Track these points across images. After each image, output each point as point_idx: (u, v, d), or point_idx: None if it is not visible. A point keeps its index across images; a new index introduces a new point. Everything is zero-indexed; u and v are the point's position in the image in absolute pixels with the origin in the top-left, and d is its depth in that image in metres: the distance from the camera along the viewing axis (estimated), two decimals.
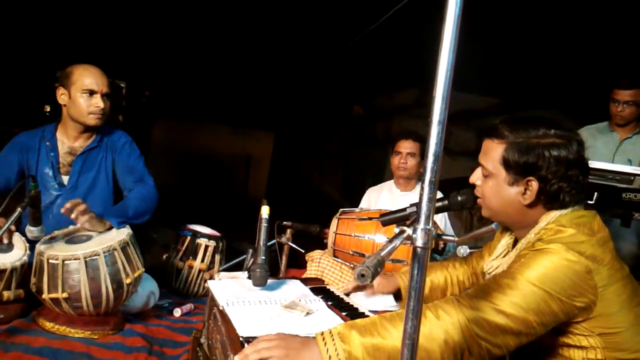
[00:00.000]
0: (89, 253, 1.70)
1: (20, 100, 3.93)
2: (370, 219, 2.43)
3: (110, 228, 1.89)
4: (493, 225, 0.98)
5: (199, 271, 2.42)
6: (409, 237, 0.94)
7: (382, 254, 0.88)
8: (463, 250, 1.14)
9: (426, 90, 7.35)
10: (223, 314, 1.34)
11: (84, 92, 2.04)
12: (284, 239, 2.41)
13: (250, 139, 6.71)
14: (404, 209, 1.57)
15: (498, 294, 1.13)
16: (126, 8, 3.93)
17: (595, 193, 2.18)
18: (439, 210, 1.50)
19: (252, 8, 4.36)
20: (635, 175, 2.08)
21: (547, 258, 1.14)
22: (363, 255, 2.41)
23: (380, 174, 6.09)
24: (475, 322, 1.10)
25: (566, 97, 4.99)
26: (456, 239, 0.99)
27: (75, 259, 1.68)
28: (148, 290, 2.01)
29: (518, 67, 5.63)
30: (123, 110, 3.64)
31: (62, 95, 2.06)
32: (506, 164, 1.25)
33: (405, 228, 0.97)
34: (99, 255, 1.71)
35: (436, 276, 1.64)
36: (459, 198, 1.45)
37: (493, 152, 1.28)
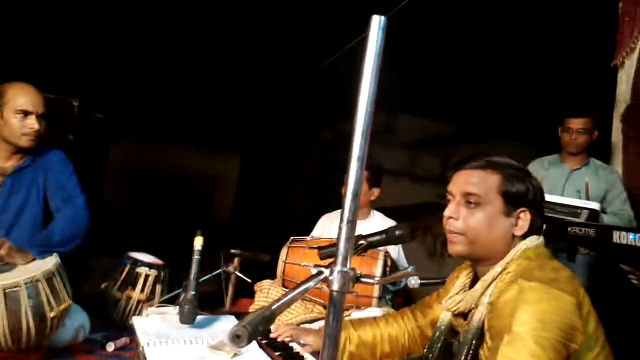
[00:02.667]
0: (9, 284, 1.58)
1: None
2: (320, 248, 2.37)
3: (33, 260, 1.77)
4: (410, 269, 0.93)
5: (138, 302, 2.30)
6: (326, 280, 0.89)
7: (274, 307, 0.80)
8: (414, 281, 1.08)
9: (395, 116, 7.45)
10: (143, 355, 1.25)
11: (18, 113, 1.94)
12: (231, 268, 2.32)
13: (216, 161, 6.60)
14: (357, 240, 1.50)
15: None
16: (87, 23, 3.84)
17: (544, 225, 2.17)
18: (376, 245, 1.44)
19: (220, 28, 4.31)
20: (582, 208, 2.07)
21: (537, 304, 1.09)
22: None
23: None
24: None
25: (528, 129, 5.07)
26: (375, 280, 0.93)
27: None
28: (77, 323, 1.88)
29: (482, 96, 5.73)
30: (75, 129, 3.51)
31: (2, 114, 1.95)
32: (506, 194, 1.24)
33: (323, 269, 0.91)
34: (20, 287, 1.59)
35: (365, 332, 1.51)
36: (397, 232, 1.40)
37: (488, 181, 1.25)
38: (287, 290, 2.38)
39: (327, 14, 4.16)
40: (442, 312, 1.38)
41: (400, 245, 2.76)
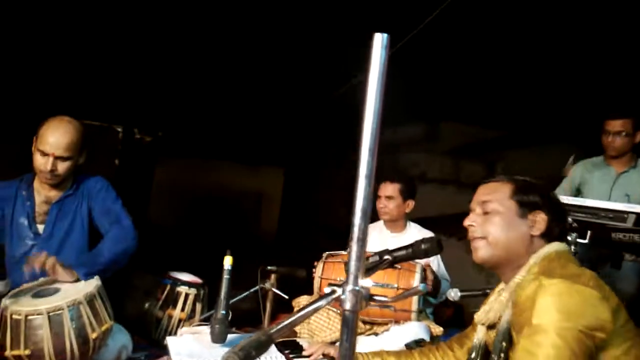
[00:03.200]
0: (52, 308, 1.65)
1: None
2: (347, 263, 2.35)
3: (77, 279, 1.84)
4: (420, 287, 0.92)
5: (179, 321, 2.35)
6: (338, 299, 0.88)
7: (272, 331, 0.79)
8: (454, 293, 1.07)
9: (437, 123, 7.35)
10: None
11: (39, 151, 2.02)
12: (267, 285, 2.34)
13: (260, 176, 6.68)
14: (378, 256, 1.48)
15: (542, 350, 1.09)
16: (128, 53, 4.00)
17: (589, 231, 2.08)
18: (402, 259, 1.42)
19: (258, 44, 4.38)
20: (628, 212, 1.98)
21: (557, 296, 1.13)
22: None
23: None
24: None
25: (573, 130, 4.89)
26: (387, 300, 0.92)
27: (38, 314, 1.64)
28: (120, 343, 1.94)
29: (525, 100, 5.58)
30: (120, 153, 3.65)
31: (33, 147, 2.06)
32: (518, 197, 1.34)
33: (335, 288, 0.91)
34: (62, 309, 1.66)
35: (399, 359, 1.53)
36: (423, 246, 1.38)
37: (500, 190, 1.37)
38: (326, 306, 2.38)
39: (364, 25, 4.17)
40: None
41: (439, 256, 2.72)
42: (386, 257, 1.36)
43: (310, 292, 2.48)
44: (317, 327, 2.38)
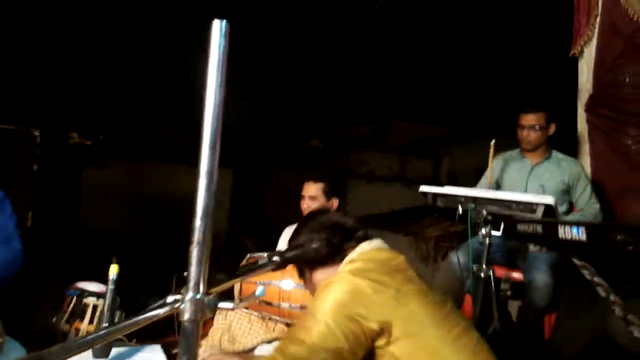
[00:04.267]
0: None
1: None
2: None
3: None
4: (257, 292, 0.86)
5: (87, 334, 2.22)
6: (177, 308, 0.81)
7: (52, 352, 0.70)
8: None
9: (384, 122, 7.39)
10: None
11: None
12: (183, 291, 2.23)
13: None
14: (267, 258, 1.41)
15: (302, 332, 1.20)
16: (46, 52, 3.82)
17: (502, 223, 2.09)
18: (293, 261, 1.36)
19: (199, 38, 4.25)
20: (537, 204, 1.99)
21: (334, 286, 1.24)
22: (270, 304, 2.26)
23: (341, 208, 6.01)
24: None
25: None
26: (235, 305, 0.85)
27: None
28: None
29: (466, 95, 5.68)
30: (38, 158, 3.45)
31: None
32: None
33: (177, 296, 0.83)
34: None
35: None
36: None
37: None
38: (246, 311, 2.30)
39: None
40: None
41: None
42: (275, 258, 1.30)
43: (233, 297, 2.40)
44: (239, 333, 2.30)
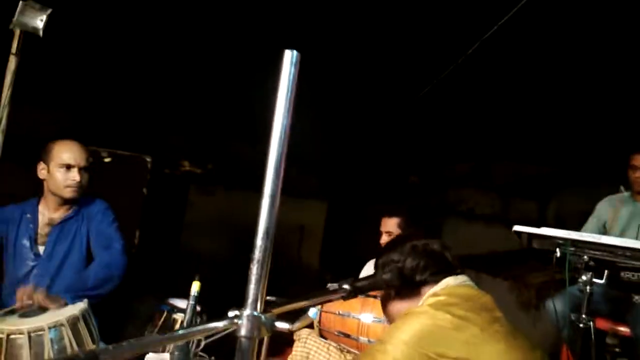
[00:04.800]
0: (33, 328, 1.67)
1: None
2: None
3: (65, 304, 1.87)
4: (310, 314, 0.85)
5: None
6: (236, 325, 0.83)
7: (101, 350, 0.73)
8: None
9: (485, 162, 7.13)
10: None
11: (61, 167, 2.11)
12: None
13: (303, 209, 6.69)
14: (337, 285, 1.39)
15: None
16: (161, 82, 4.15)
17: (606, 271, 1.91)
18: (364, 290, 1.33)
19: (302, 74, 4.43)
20: None
21: (413, 318, 1.20)
22: (348, 336, 2.23)
23: None
24: None
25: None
26: (291, 327, 0.85)
27: (20, 334, 1.66)
28: None
29: (576, 135, 5.34)
30: (148, 183, 3.75)
31: (42, 170, 2.15)
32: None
33: (237, 312, 0.85)
34: (44, 330, 1.68)
35: None
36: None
37: None
38: (325, 341, 2.29)
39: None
40: None
41: None
42: (344, 286, 1.28)
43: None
44: None
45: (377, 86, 4.78)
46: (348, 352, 2.26)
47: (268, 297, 2.34)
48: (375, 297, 2.24)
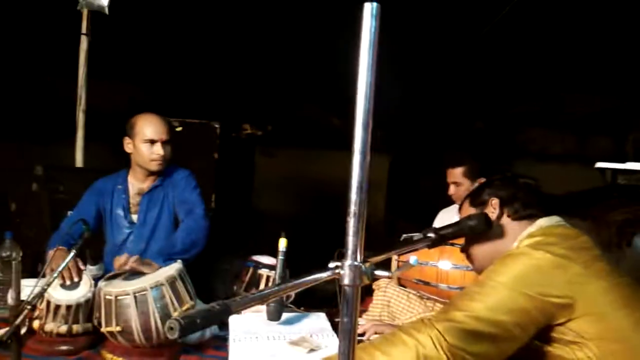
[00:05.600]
0: (138, 289, 1.82)
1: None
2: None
3: (159, 268, 2.01)
4: (411, 261, 0.88)
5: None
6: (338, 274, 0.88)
7: (231, 303, 0.77)
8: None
9: (554, 98, 6.79)
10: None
11: (146, 142, 2.22)
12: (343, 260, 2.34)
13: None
14: (422, 235, 1.42)
15: (468, 301, 1.15)
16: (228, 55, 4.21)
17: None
18: (448, 238, 1.35)
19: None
20: None
21: (512, 259, 1.18)
22: (427, 284, 2.27)
23: None
24: (448, 332, 1.09)
25: None
26: (390, 274, 0.89)
27: (126, 295, 1.82)
28: None
29: None
30: (219, 148, 3.88)
31: (128, 145, 2.28)
32: (471, 204, 1.49)
33: (338, 263, 0.90)
34: (147, 290, 1.82)
35: None
36: (469, 223, 1.31)
37: (465, 209, 1.53)
38: (404, 289, 2.34)
39: None
40: None
41: None
42: (429, 234, 1.31)
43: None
44: (397, 310, 2.35)
45: (438, 31, 4.63)
46: (428, 299, 2.30)
47: (343, 250, 2.40)
48: (453, 244, 2.25)
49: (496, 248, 1.34)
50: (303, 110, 5.83)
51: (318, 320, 1.55)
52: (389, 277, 0.90)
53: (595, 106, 6.58)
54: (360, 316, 2.28)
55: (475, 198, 1.44)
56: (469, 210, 1.45)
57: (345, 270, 0.84)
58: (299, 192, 5.88)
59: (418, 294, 2.30)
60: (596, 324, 1.13)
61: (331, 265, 0.91)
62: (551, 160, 6.56)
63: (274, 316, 1.46)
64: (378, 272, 0.87)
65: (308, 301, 2.13)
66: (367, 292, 2.68)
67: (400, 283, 2.36)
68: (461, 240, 2.24)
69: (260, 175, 5.31)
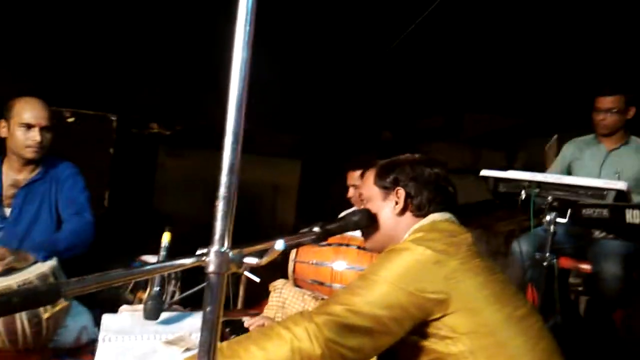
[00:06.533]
0: (2, 287, 1.66)
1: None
2: (329, 244, 2.30)
3: (35, 262, 1.85)
4: (276, 246, 0.86)
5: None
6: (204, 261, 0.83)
7: (60, 283, 0.72)
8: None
9: (456, 115, 7.19)
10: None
11: (22, 126, 2.04)
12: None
13: (277, 168, 6.66)
14: (310, 229, 1.39)
15: (348, 295, 1.15)
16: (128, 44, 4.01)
17: (569, 210, 1.97)
18: (334, 232, 1.35)
19: (272, 36, 4.33)
20: (608, 189, 1.86)
21: (396, 255, 1.19)
22: (322, 284, 2.28)
23: None
24: (326, 326, 1.08)
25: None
26: (260, 261, 0.86)
27: None
28: (80, 324, 1.93)
29: (544, 86, 5.40)
30: (115, 143, 3.67)
31: (3, 129, 2.08)
32: (379, 182, 1.41)
33: (205, 250, 0.85)
34: (12, 289, 1.67)
35: None
36: (353, 218, 1.32)
37: (368, 178, 1.45)
38: (300, 290, 2.34)
39: None
40: None
41: None
42: (315, 228, 1.30)
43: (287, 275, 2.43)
44: (293, 311, 2.33)
45: (348, 40, 4.72)
46: (322, 299, 2.31)
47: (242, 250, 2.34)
48: (347, 245, 2.28)
49: (389, 237, 1.36)
50: (215, 111, 5.70)
51: (198, 319, 1.48)
52: (257, 265, 0.86)
53: (491, 125, 7.07)
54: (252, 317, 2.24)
55: (383, 176, 1.40)
56: (372, 188, 1.42)
57: (211, 256, 0.80)
58: (205, 194, 5.71)
59: (314, 295, 2.29)
60: (469, 318, 1.15)
61: (199, 252, 0.87)
62: (451, 173, 6.88)
63: (152, 315, 1.38)
64: (247, 260, 0.84)
65: (199, 300, 2.04)
66: (263, 295, 2.65)
67: (297, 284, 2.36)
68: (356, 241, 2.28)
69: (165, 175, 5.09)
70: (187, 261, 0.84)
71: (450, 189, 1.39)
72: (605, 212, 1.56)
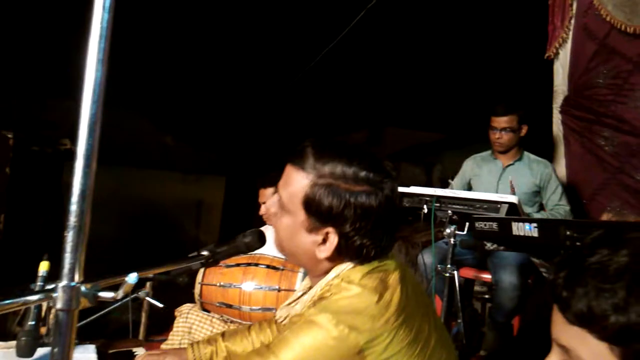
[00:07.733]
0: None
1: None
2: (238, 265, 2.24)
3: None
4: (127, 279, 0.80)
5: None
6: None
7: None
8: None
9: (377, 130, 7.38)
10: None
11: None
12: (141, 294, 2.18)
13: (200, 185, 6.52)
14: (198, 252, 1.33)
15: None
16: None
17: (467, 223, 2.05)
18: (224, 256, 1.30)
19: (196, 47, 4.20)
20: (501, 202, 1.94)
21: (311, 334, 0.92)
22: (230, 307, 2.21)
23: None
24: None
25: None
26: (114, 295, 0.80)
27: None
28: None
29: (456, 103, 5.65)
30: (11, 162, 3.41)
31: None
32: (307, 206, 1.01)
33: (55, 285, 0.78)
34: None
35: (234, 342, 1.38)
36: (244, 240, 1.27)
37: (295, 184, 1.03)
38: (208, 314, 2.25)
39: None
40: None
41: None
42: (203, 252, 1.24)
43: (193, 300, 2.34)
44: (200, 336, 2.24)
45: (269, 58, 4.73)
46: (232, 322, 2.24)
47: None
48: (257, 265, 2.23)
49: (309, 258, 1.07)
50: (134, 126, 5.48)
51: (83, 354, 1.38)
52: (113, 299, 0.80)
53: (411, 140, 7.31)
54: (157, 347, 2.13)
55: (316, 213, 1.00)
56: (294, 204, 1.04)
57: (58, 292, 0.73)
58: (121, 213, 5.47)
59: (222, 318, 2.22)
60: None
61: (49, 286, 0.79)
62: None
63: (25, 352, 1.26)
64: (102, 294, 0.77)
65: (98, 333, 1.92)
66: (168, 321, 2.53)
67: (204, 307, 2.27)
68: (266, 260, 2.24)
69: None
70: (33, 297, 0.76)
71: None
72: (494, 225, 1.63)
